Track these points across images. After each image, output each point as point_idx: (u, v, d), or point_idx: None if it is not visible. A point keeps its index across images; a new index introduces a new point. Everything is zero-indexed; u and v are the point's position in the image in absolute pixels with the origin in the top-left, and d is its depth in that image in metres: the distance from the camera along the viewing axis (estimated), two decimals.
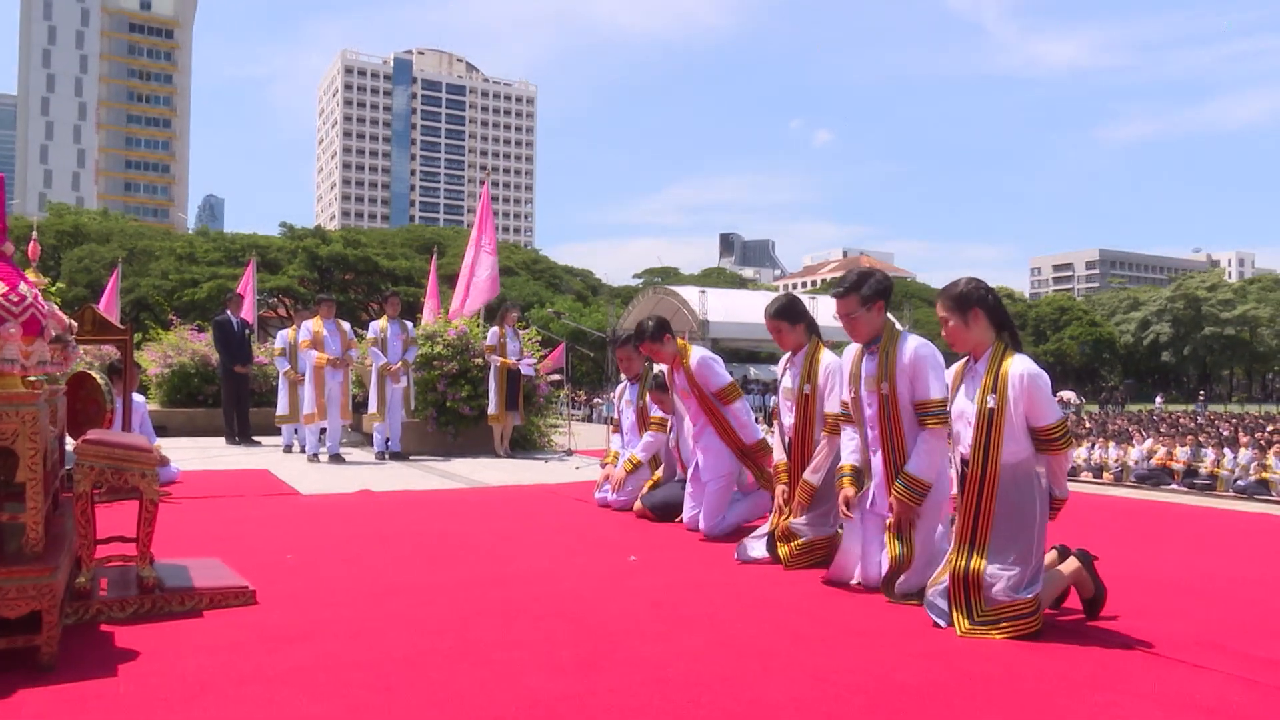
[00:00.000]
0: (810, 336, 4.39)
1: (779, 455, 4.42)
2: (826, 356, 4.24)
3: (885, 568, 3.54)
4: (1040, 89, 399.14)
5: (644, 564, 4.23)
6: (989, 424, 3.09)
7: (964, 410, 3.23)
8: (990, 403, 3.09)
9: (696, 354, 5.11)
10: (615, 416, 6.68)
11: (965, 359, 3.34)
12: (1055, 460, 3.14)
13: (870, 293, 3.66)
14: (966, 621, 3.03)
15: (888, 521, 3.56)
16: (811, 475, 4.08)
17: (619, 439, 6.54)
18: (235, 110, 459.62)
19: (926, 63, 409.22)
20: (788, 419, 4.31)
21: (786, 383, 4.37)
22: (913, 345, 3.60)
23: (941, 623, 3.13)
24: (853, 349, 3.83)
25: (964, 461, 3.20)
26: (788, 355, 4.48)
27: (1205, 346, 71.76)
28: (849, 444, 3.82)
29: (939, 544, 3.50)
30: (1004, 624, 2.98)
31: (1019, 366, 3.10)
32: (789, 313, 4.44)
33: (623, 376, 6.61)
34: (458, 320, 10.57)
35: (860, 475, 3.76)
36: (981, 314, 3.20)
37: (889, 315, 3.76)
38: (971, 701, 2.42)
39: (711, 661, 2.72)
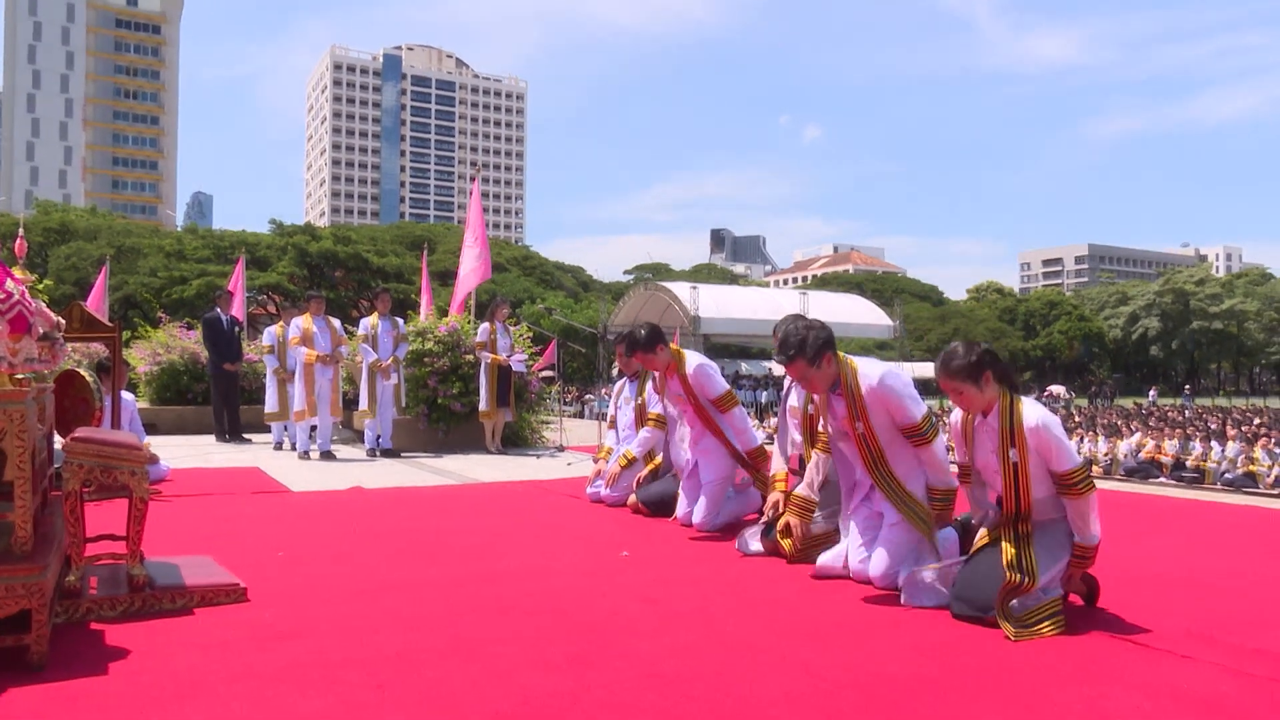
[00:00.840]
0: None
1: (778, 465, 4.44)
2: None
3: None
4: (1028, 85, 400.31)
5: (636, 559, 4.24)
6: (1016, 475, 3.14)
7: (989, 463, 3.29)
8: (1013, 456, 3.14)
9: (693, 361, 5.07)
10: (612, 413, 6.65)
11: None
12: (1073, 505, 3.11)
13: (814, 351, 3.66)
14: (1014, 626, 3.00)
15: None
16: (807, 491, 4.09)
17: (614, 435, 6.53)
18: (224, 107, 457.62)
19: (915, 59, 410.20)
20: (796, 436, 4.35)
21: (793, 401, 4.40)
22: (876, 378, 3.62)
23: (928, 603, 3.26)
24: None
25: (999, 501, 3.28)
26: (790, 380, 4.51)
27: (1193, 340, 72.23)
28: (810, 475, 3.88)
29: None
30: (1045, 623, 3.01)
31: (1031, 419, 3.13)
32: None
33: (618, 373, 6.62)
34: (449, 316, 10.55)
35: (809, 506, 3.86)
36: (991, 376, 3.23)
37: (838, 354, 3.74)
38: (962, 694, 2.43)
39: (703, 656, 2.72)
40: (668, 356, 5.11)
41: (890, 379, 3.63)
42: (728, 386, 5.11)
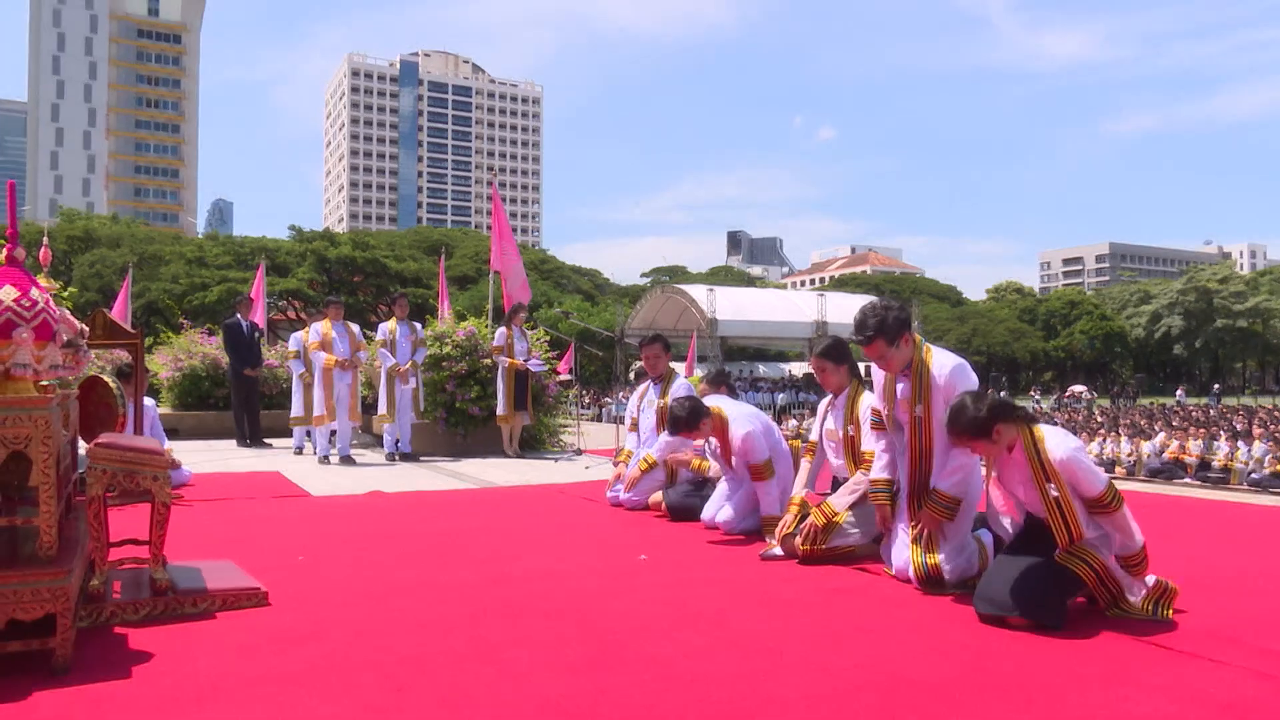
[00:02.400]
0: (852, 379, 4.42)
1: (799, 489, 4.47)
2: (867, 399, 4.24)
3: (913, 575, 3.62)
4: (1046, 82, 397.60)
5: (654, 563, 4.24)
6: (1061, 508, 3.12)
7: (1015, 493, 3.30)
8: (1053, 491, 3.12)
9: (738, 426, 4.90)
10: (634, 416, 6.53)
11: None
12: (1110, 521, 3.13)
13: (894, 331, 3.67)
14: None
15: (912, 533, 3.66)
16: (839, 501, 4.10)
17: (634, 438, 6.48)
18: (243, 114, 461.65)
19: (930, 57, 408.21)
20: (835, 460, 4.35)
21: (830, 424, 4.39)
22: (948, 367, 3.64)
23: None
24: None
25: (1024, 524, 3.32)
26: (829, 398, 4.52)
27: (1217, 339, 71.28)
28: (882, 458, 3.90)
29: (969, 547, 3.65)
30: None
31: (1057, 452, 3.12)
32: (834, 353, 4.45)
33: (635, 377, 6.57)
34: (466, 321, 10.59)
35: (893, 489, 3.87)
36: (1004, 424, 3.19)
37: (915, 335, 3.77)
38: (982, 697, 2.41)
39: (721, 659, 2.72)
40: (709, 428, 5.00)
41: (959, 370, 3.63)
42: (768, 455, 4.90)
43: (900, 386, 3.77)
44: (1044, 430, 3.20)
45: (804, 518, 4.20)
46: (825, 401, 4.55)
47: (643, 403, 6.45)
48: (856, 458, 4.22)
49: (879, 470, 3.91)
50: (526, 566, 4.11)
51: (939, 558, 3.57)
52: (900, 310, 3.75)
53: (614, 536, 5.01)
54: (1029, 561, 3.14)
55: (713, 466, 5.48)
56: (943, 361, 3.67)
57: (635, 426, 6.49)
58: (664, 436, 5.74)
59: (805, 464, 4.56)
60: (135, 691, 2.43)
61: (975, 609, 3.19)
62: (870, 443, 4.06)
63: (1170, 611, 3.16)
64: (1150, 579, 3.20)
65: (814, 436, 4.56)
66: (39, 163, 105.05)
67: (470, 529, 5.24)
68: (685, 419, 4.93)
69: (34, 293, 2.67)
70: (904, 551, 3.71)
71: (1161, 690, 2.46)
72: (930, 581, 3.57)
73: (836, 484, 4.34)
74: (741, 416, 4.96)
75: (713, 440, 5.12)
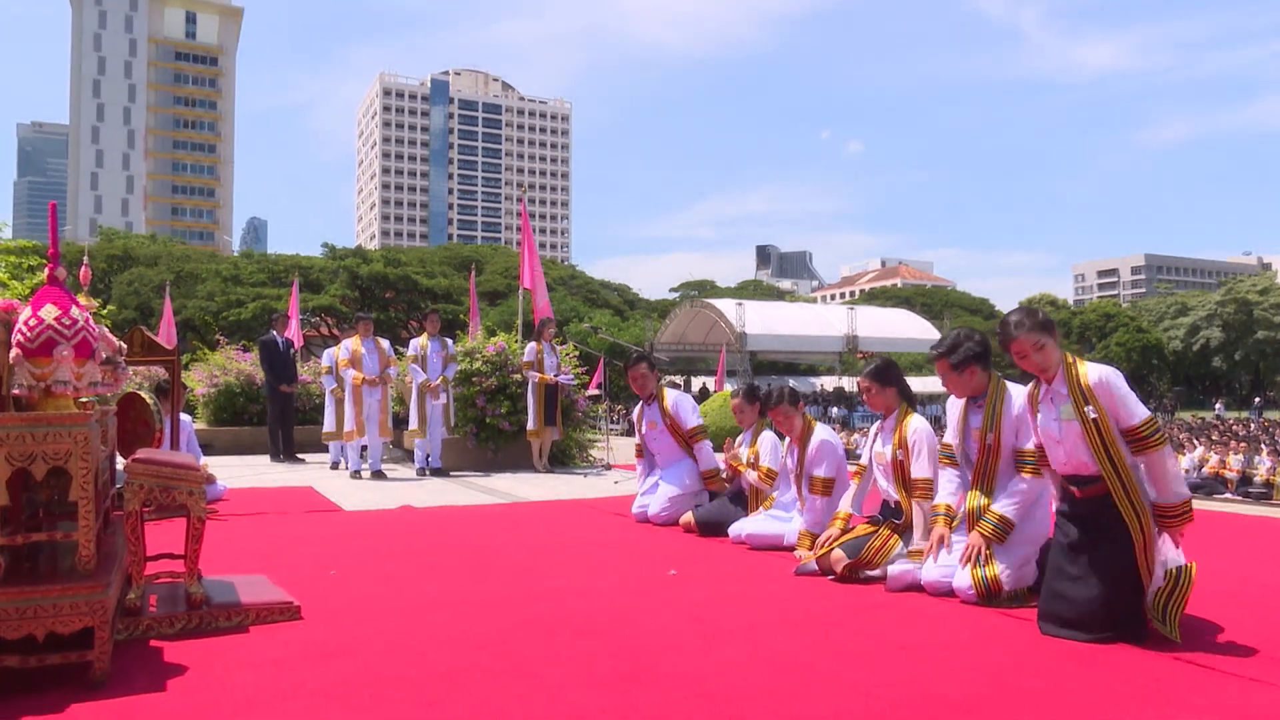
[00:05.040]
0: (901, 402, 4.39)
1: (845, 505, 4.47)
2: (915, 421, 4.24)
3: (973, 591, 3.61)
4: (1079, 92, 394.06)
5: (683, 577, 4.22)
6: (1100, 433, 3.12)
7: (1049, 431, 3.31)
8: (1091, 413, 3.14)
9: (823, 433, 4.94)
10: (639, 441, 6.45)
11: (1034, 382, 3.42)
12: (1150, 460, 3.10)
13: (960, 360, 3.79)
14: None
15: (966, 553, 3.67)
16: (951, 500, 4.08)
17: (642, 465, 6.39)
18: (277, 134, 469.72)
19: (960, 69, 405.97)
20: (883, 482, 4.33)
21: (879, 447, 4.38)
22: (1021, 400, 3.66)
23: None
24: (957, 401, 3.93)
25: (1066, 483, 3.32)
26: (880, 421, 4.50)
27: (1257, 351, 69.86)
28: (949, 484, 3.94)
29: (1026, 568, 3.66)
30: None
31: (1094, 374, 3.18)
32: (880, 375, 4.43)
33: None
34: (497, 336, 10.66)
35: (953, 515, 3.89)
36: (1054, 337, 3.28)
37: (992, 371, 3.84)
38: (1018, 716, 2.37)
39: (753, 675, 2.70)
40: (798, 424, 4.98)
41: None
42: (836, 473, 4.88)
43: (972, 417, 3.84)
44: (1083, 361, 3.26)
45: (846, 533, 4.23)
46: (876, 425, 4.53)
47: (643, 425, 6.35)
48: (907, 484, 4.16)
49: (944, 497, 3.94)
50: (556, 581, 4.11)
51: (998, 568, 3.59)
52: (975, 346, 3.80)
53: (643, 551, 5.00)
54: (1091, 577, 3.10)
55: (748, 474, 5.43)
56: (1019, 397, 3.70)
57: (641, 452, 6.43)
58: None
59: (853, 485, 4.52)
60: (171, 704, 2.46)
61: (1041, 630, 3.18)
62: (924, 468, 4.07)
63: (1176, 625, 3.03)
64: (1175, 556, 3.12)
65: (864, 459, 4.52)
66: (80, 184, 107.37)
67: (500, 544, 5.25)
68: (783, 396, 5.02)
69: (74, 311, 2.73)
70: (963, 575, 3.68)
71: (1201, 710, 2.40)
72: (990, 596, 3.58)
73: (885, 507, 4.29)
74: (823, 428, 5.02)
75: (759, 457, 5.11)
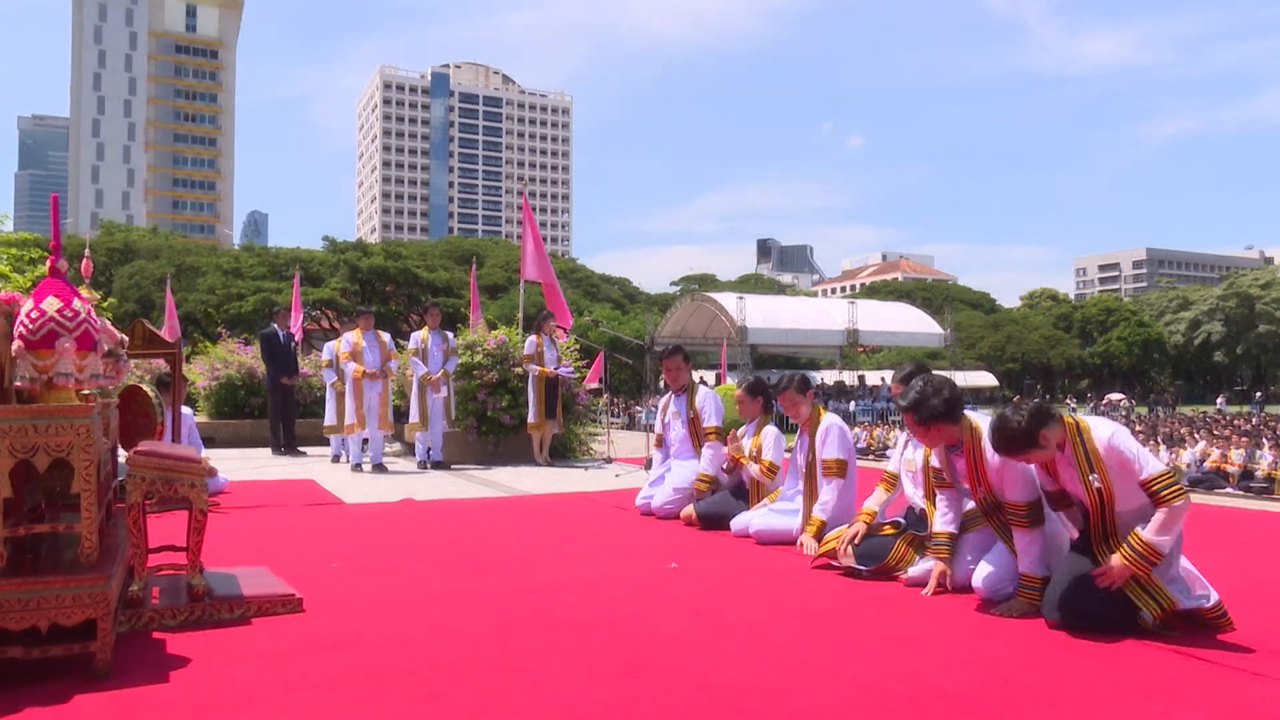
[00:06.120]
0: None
1: (871, 503, 4.37)
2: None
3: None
4: (1081, 86, 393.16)
5: (684, 571, 4.22)
6: (1101, 499, 3.13)
7: (1079, 492, 3.26)
8: (1095, 481, 3.13)
9: (832, 418, 4.94)
10: (660, 432, 6.47)
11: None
12: (1161, 512, 3.05)
13: (924, 416, 3.60)
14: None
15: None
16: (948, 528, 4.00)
17: (659, 455, 6.41)
18: (278, 127, 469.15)
19: (962, 62, 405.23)
20: (910, 488, 4.27)
21: (909, 454, 4.33)
22: (1000, 459, 3.48)
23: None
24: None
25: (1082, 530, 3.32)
26: (907, 432, 4.40)
27: (1259, 345, 69.82)
28: (946, 514, 3.86)
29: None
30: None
31: (1101, 438, 3.12)
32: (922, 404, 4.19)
33: (662, 384, 6.53)
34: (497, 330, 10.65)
35: (954, 543, 3.83)
36: (1048, 429, 3.15)
37: (968, 417, 3.66)
38: (1018, 710, 2.38)
39: (754, 669, 2.70)
40: (813, 416, 4.97)
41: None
42: (847, 455, 4.86)
43: (954, 461, 3.74)
44: (1089, 420, 3.19)
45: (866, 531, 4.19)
46: (906, 433, 4.44)
47: (667, 415, 6.38)
48: (932, 493, 4.08)
49: (942, 524, 3.86)
50: (557, 575, 4.12)
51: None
52: (939, 405, 3.59)
53: (644, 545, 5.00)
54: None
55: (750, 467, 5.44)
56: (991, 449, 3.48)
57: (661, 442, 6.43)
58: (707, 450, 5.61)
59: (881, 492, 4.46)
60: (173, 696, 2.47)
61: (1045, 618, 3.19)
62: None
63: (1156, 597, 3.07)
64: (1210, 596, 3.13)
65: (892, 467, 4.47)
66: (80, 177, 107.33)
67: (501, 537, 5.26)
68: (792, 382, 4.95)
69: (76, 303, 2.73)
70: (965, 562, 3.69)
71: (1201, 705, 2.41)
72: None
73: (912, 514, 4.26)
74: (831, 415, 4.98)
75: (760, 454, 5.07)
